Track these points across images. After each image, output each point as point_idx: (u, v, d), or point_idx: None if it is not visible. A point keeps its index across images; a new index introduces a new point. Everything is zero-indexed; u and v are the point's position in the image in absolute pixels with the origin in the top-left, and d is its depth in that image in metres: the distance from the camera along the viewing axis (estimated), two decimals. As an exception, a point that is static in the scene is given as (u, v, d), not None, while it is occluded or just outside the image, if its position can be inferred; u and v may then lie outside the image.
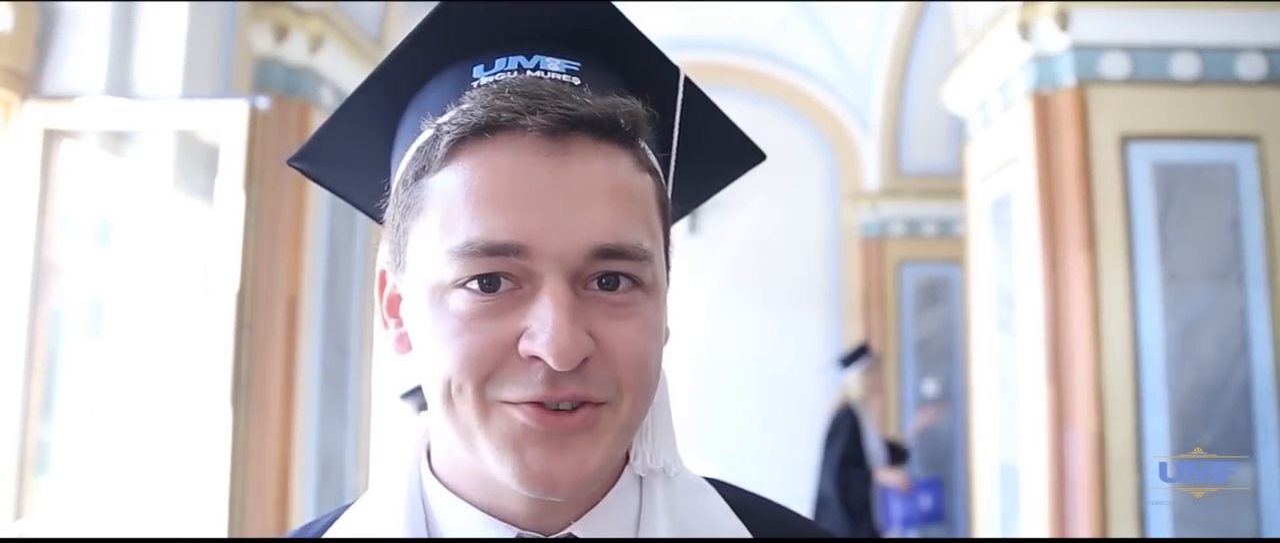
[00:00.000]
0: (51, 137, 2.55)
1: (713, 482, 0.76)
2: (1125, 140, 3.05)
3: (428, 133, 0.62)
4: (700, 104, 0.70)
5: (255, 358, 3.03)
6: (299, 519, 3.25)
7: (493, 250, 0.57)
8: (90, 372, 2.66)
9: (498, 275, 0.58)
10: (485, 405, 0.58)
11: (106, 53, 2.65)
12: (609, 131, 0.60)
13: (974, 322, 3.93)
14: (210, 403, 2.61)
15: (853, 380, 4.62)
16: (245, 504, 2.93)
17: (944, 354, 5.90)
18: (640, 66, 0.68)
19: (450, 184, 0.59)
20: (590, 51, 0.66)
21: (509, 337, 0.57)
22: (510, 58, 0.64)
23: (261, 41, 3.25)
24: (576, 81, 0.63)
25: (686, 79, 0.68)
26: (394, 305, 0.68)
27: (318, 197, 3.40)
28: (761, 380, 6.41)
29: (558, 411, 0.58)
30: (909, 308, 6.05)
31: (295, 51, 3.31)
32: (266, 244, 3.11)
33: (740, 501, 0.75)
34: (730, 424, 6.16)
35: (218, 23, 2.98)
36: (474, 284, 0.58)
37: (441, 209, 0.59)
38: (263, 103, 2.69)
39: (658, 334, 0.62)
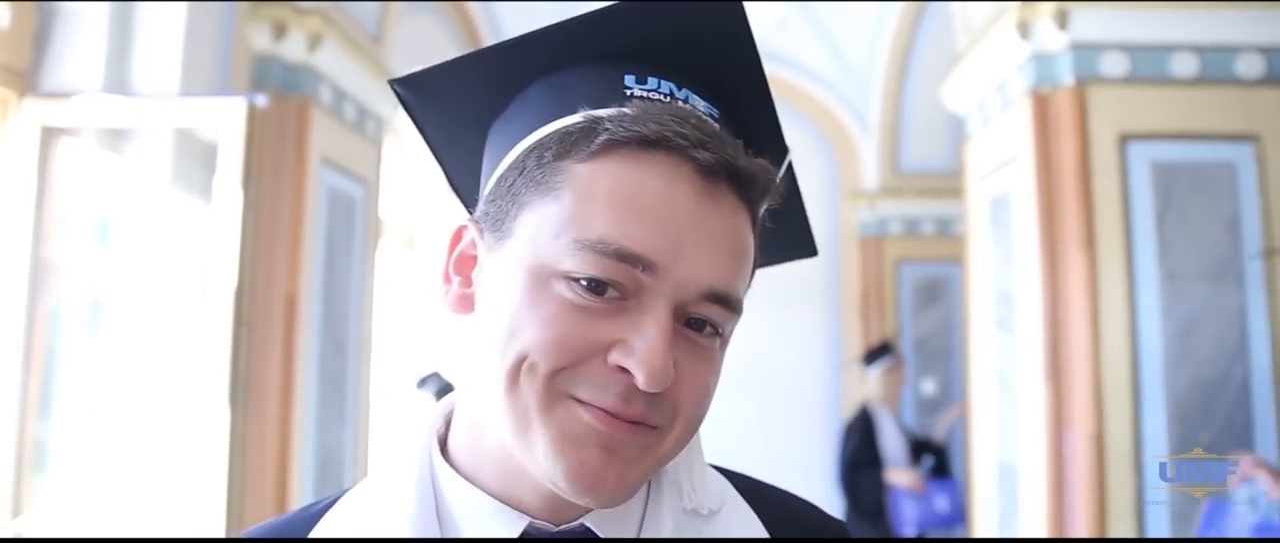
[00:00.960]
0: (49, 134, 2.54)
1: (721, 470, 0.77)
2: (1124, 139, 3.06)
3: (579, 119, 0.63)
4: (791, 190, 0.74)
5: (253, 356, 3.02)
6: (297, 518, 3.25)
7: (624, 256, 0.57)
8: (88, 370, 2.66)
9: (607, 283, 0.58)
10: (552, 395, 0.59)
11: (104, 50, 2.64)
12: (746, 188, 0.62)
13: (973, 321, 3.93)
14: (208, 401, 2.61)
15: (872, 379, 4.55)
16: (243, 503, 2.93)
17: (942, 353, 5.90)
18: (758, 130, 0.71)
19: (597, 178, 0.60)
20: (726, 102, 0.69)
21: (601, 340, 0.58)
22: (662, 81, 0.66)
23: (260, 39, 3.25)
24: (719, 127, 0.65)
25: (789, 163, 0.71)
26: (463, 264, 0.68)
27: (316, 194, 3.39)
28: (759, 380, 6.41)
29: (620, 418, 0.59)
30: (907, 307, 6.05)
31: (294, 49, 3.31)
32: (265, 242, 3.11)
33: (751, 488, 0.76)
34: (727, 423, 6.14)
35: (216, 20, 2.98)
36: (585, 282, 0.58)
37: (578, 197, 0.60)
38: (261, 101, 2.68)
39: (716, 382, 0.64)
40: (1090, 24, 3.10)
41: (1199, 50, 3.08)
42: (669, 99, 0.65)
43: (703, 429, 0.66)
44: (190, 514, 2.58)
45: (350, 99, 3.63)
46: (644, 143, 0.60)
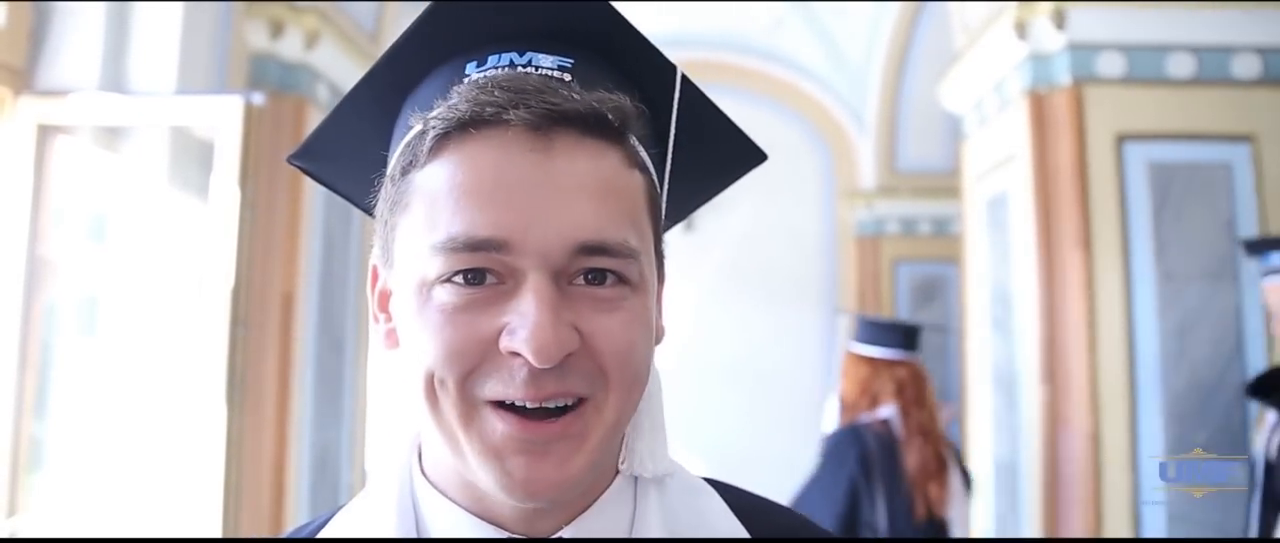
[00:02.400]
0: (46, 132, 2.53)
1: (712, 483, 0.75)
2: (1121, 139, 3.06)
3: (416, 128, 0.62)
4: (699, 103, 0.69)
5: (250, 355, 3.02)
6: (293, 516, 3.25)
7: (474, 245, 0.57)
8: (84, 368, 2.65)
9: (482, 270, 0.57)
10: (468, 407, 0.58)
11: (101, 48, 2.64)
12: (595, 127, 0.60)
13: (970, 320, 3.94)
14: (205, 399, 2.60)
15: None
16: (240, 501, 2.92)
17: (939, 353, 5.91)
18: (636, 64, 0.67)
19: (435, 179, 0.59)
20: (585, 49, 0.65)
21: (490, 332, 0.57)
22: (503, 54, 0.64)
23: (257, 37, 3.24)
24: (567, 78, 0.62)
25: (684, 77, 0.67)
26: (385, 301, 0.68)
27: (313, 193, 3.39)
28: (754, 378, 6.42)
29: (539, 418, 0.58)
30: (904, 306, 6.05)
31: (290, 47, 3.30)
32: (261, 240, 3.11)
33: (742, 503, 0.74)
34: (723, 423, 6.16)
35: (213, 18, 2.98)
36: (459, 278, 0.57)
37: (426, 204, 0.59)
38: (258, 99, 2.67)
39: (646, 330, 0.61)
40: (1087, 24, 3.10)
41: (1196, 50, 3.09)
42: (509, 70, 0.62)
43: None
44: (186, 513, 2.58)
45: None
46: (463, 126, 0.58)
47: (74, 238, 2.74)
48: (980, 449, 3.76)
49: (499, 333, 0.57)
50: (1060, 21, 3.09)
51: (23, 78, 2.54)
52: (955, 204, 4.59)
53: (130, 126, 2.69)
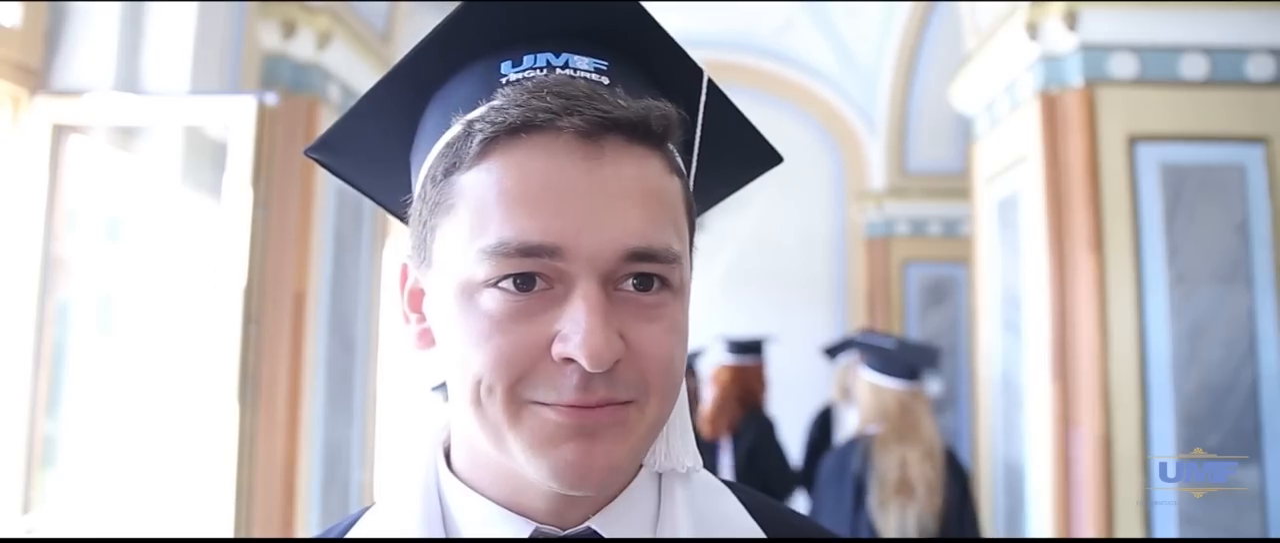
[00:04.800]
0: (60, 131, 2.55)
1: (731, 485, 0.76)
2: (1133, 141, 3.05)
3: (457, 129, 0.62)
4: (721, 106, 0.70)
5: (262, 353, 3.03)
6: (305, 514, 3.26)
7: (527, 251, 0.57)
8: (97, 367, 2.67)
9: (531, 276, 0.57)
10: (516, 406, 0.59)
11: (115, 48, 2.65)
12: (641, 134, 0.60)
13: (980, 322, 3.93)
14: (216, 398, 2.62)
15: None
16: (251, 499, 2.94)
17: (949, 354, 5.88)
18: (664, 67, 0.68)
19: (482, 182, 0.59)
20: (617, 50, 0.66)
21: (541, 339, 0.58)
22: (539, 55, 0.64)
23: (269, 37, 3.26)
24: (605, 80, 0.63)
25: (709, 81, 0.68)
26: (415, 300, 0.68)
27: (325, 192, 3.40)
28: (766, 379, 6.41)
29: (588, 405, 0.58)
30: (914, 307, 6.04)
31: (303, 48, 3.32)
32: (274, 240, 3.12)
33: (755, 504, 0.76)
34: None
35: (226, 19, 2.99)
36: (507, 283, 0.58)
37: (473, 207, 0.59)
38: (271, 99, 2.69)
39: (683, 335, 0.62)
40: (1099, 25, 3.09)
41: (1209, 51, 3.07)
42: (546, 72, 0.63)
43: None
44: (198, 511, 2.59)
45: (359, 97, 3.64)
46: (513, 130, 0.58)
47: (88, 237, 2.75)
48: (990, 450, 3.75)
49: (550, 340, 0.58)
50: (1072, 22, 3.07)
51: (38, 77, 2.55)
52: (965, 205, 4.58)
53: (144, 126, 2.71)
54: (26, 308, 2.50)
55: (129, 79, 2.68)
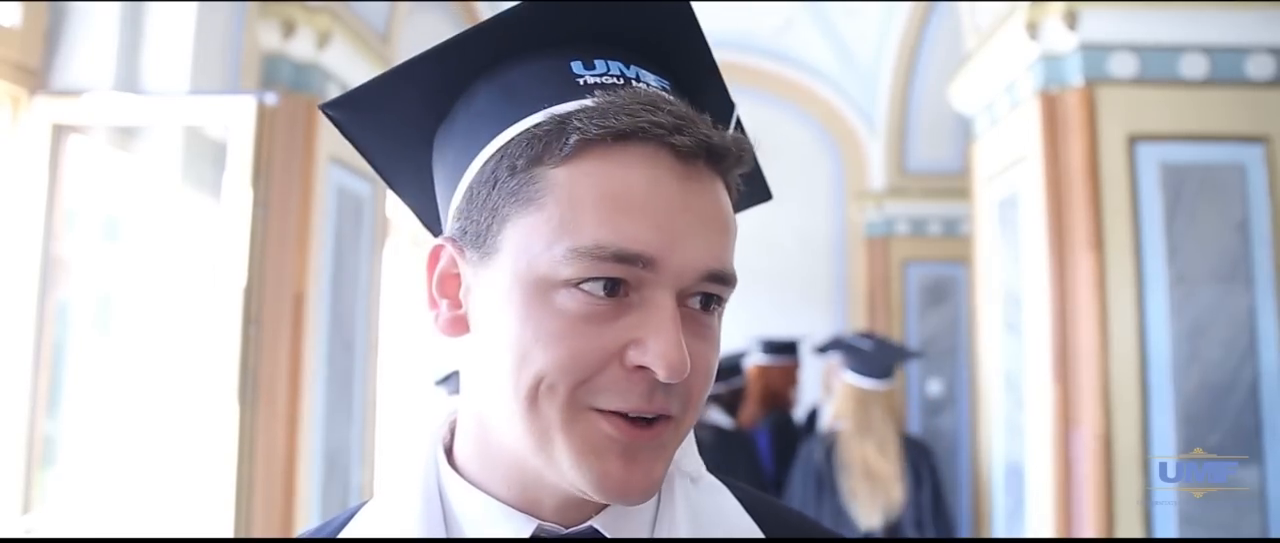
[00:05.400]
0: (60, 131, 2.55)
1: (728, 484, 0.77)
2: (1133, 140, 3.05)
3: (542, 119, 0.61)
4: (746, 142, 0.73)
5: (262, 353, 3.03)
6: (305, 515, 3.26)
7: (623, 257, 0.57)
8: (97, 367, 2.67)
9: (618, 282, 0.58)
10: (574, 410, 0.59)
11: (115, 48, 2.65)
12: (720, 161, 0.62)
13: (980, 321, 3.93)
14: (216, 398, 2.62)
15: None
16: (251, 500, 2.94)
17: (949, 354, 5.89)
18: (707, 94, 0.70)
19: (578, 181, 0.59)
20: (674, 71, 0.68)
21: (615, 346, 0.58)
22: (611, 63, 0.64)
23: (269, 37, 3.26)
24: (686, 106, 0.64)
25: (738, 118, 0.71)
26: (447, 284, 0.66)
27: (325, 192, 3.40)
28: (766, 379, 6.40)
29: (641, 425, 0.59)
30: (914, 307, 6.04)
31: (303, 47, 3.32)
32: (273, 240, 3.12)
33: (751, 501, 0.77)
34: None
35: (225, 19, 2.99)
36: (593, 286, 0.58)
37: (564, 204, 0.59)
38: (270, 98, 2.69)
39: (719, 353, 0.65)
40: (1099, 24, 3.09)
41: (1209, 51, 3.07)
42: (621, 81, 0.64)
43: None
44: (198, 510, 2.59)
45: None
46: (619, 137, 0.59)
47: (87, 237, 2.75)
48: (990, 450, 3.75)
49: (624, 347, 0.58)
50: (1072, 22, 3.07)
51: (37, 77, 2.55)
52: (965, 205, 4.58)
53: (144, 126, 2.71)
54: (26, 308, 2.50)
55: (129, 79, 2.68)
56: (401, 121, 0.71)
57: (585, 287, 0.58)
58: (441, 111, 0.69)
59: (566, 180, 0.59)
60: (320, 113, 2.95)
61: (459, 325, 0.65)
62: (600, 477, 0.59)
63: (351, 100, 0.71)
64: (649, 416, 0.59)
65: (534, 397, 0.59)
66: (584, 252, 0.57)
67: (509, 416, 0.61)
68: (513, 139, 0.62)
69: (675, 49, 0.68)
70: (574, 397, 0.58)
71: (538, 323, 0.58)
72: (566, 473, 0.60)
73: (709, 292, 0.61)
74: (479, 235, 0.63)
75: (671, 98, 0.62)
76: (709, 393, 0.64)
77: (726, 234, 0.62)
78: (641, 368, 0.58)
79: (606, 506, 0.66)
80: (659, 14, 0.67)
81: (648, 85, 0.64)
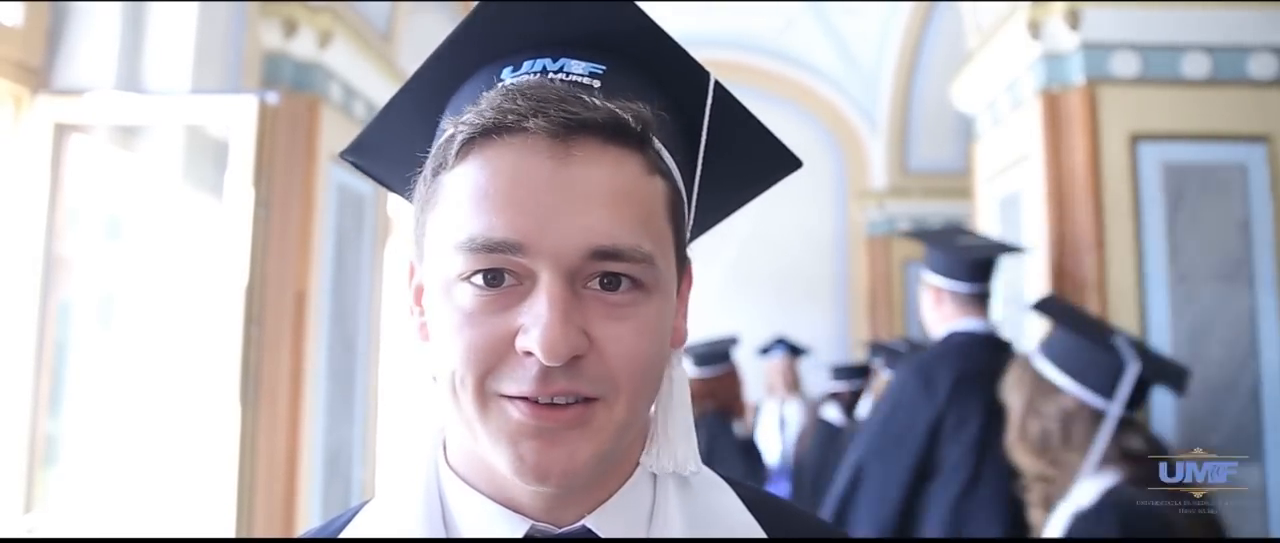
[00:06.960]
0: (61, 131, 2.55)
1: (729, 481, 0.77)
2: (1135, 140, 3.04)
3: (448, 131, 0.64)
4: (732, 110, 0.71)
5: (263, 353, 3.03)
6: (306, 514, 3.27)
7: (491, 246, 0.59)
8: (99, 366, 2.67)
9: (500, 271, 0.59)
10: (485, 399, 0.60)
11: (117, 48, 2.65)
12: (616, 134, 0.61)
13: (981, 321, 3.92)
14: (218, 398, 2.62)
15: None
16: (253, 499, 2.94)
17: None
18: (667, 71, 0.69)
19: (459, 181, 0.62)
20: (619, 56, 0.67)
21: (507, 333, 0.59)
22: (537, 60, 0.66)
23: (270, 37, 3.26)
24: (596, 84, 0.64)
25: (717, 84, 0.69)
26: (419, 295, 0.71)
27: (326, 192, 3.40)
28: (767, 378, 6.41)
29: (551, 406, 0.59)
30: (915, 306, 6.03)
31: (304, 47, 3.32)
32: (275, 239, 3.12)
33: (755, 499, 0.76)
34: (736, 422, 6.16)
35: (227, 18, 2.99)
36: (478, 278, 0.60)
37: (451, 204, 0.62)
38: (272, 98, 2.69)
39: (658, 335, 0.63)
40: (1101, 24, 3.08)
41: (1211, 50, 3.07)
42: (540, 76, 0.65)
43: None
44: (199, 510, 2.59)
45: (360, 97, 3.64)
46: (487, 132, 0.61)
47: (89, 236, 2.76)
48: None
49: (515, 334, 0.59)
50: (1074, 21, 3.07)
51: (39, 77, 2.56)
52: (967, 205, 4.58)
53: (145, 125, 2.71)
54: (28, 307, 2.50)
55: (130, 78, 2.68)
56: (404, 156, 0.73)
57: (473, 281, 0.60)
58: (429, 138, 0.72)
59: (450, 182, 0.63)
60: (321, 111, 2.95)
61: (425, 332, 0.69)
62: (516, 460, 0.60)
63: (359, 145, 0.77)
64: (544, 399, 0.59)
65: (453, 390, 0.61)
66: (462, 246, 0.60)
67: (449, 411, 0.64)
68: (431, 157, 0.66)
69: (615, 30, 0.67)
70: (483, 387, 0.60)
71: (446, 320, 0.61)
72: (495, 462, 0.62)
73: (607, 270, 0.60)
74: (418, 246, 0.68)
75: (554, 83, 0.63)
76: (654, 374, 0.63)
77: (618, 208, 0.60)
78: (531, 353, 0.58)
79: (599, 504, 0.67)
80: (591, 7, 0.67)
81: (568, 75, 0.65)
